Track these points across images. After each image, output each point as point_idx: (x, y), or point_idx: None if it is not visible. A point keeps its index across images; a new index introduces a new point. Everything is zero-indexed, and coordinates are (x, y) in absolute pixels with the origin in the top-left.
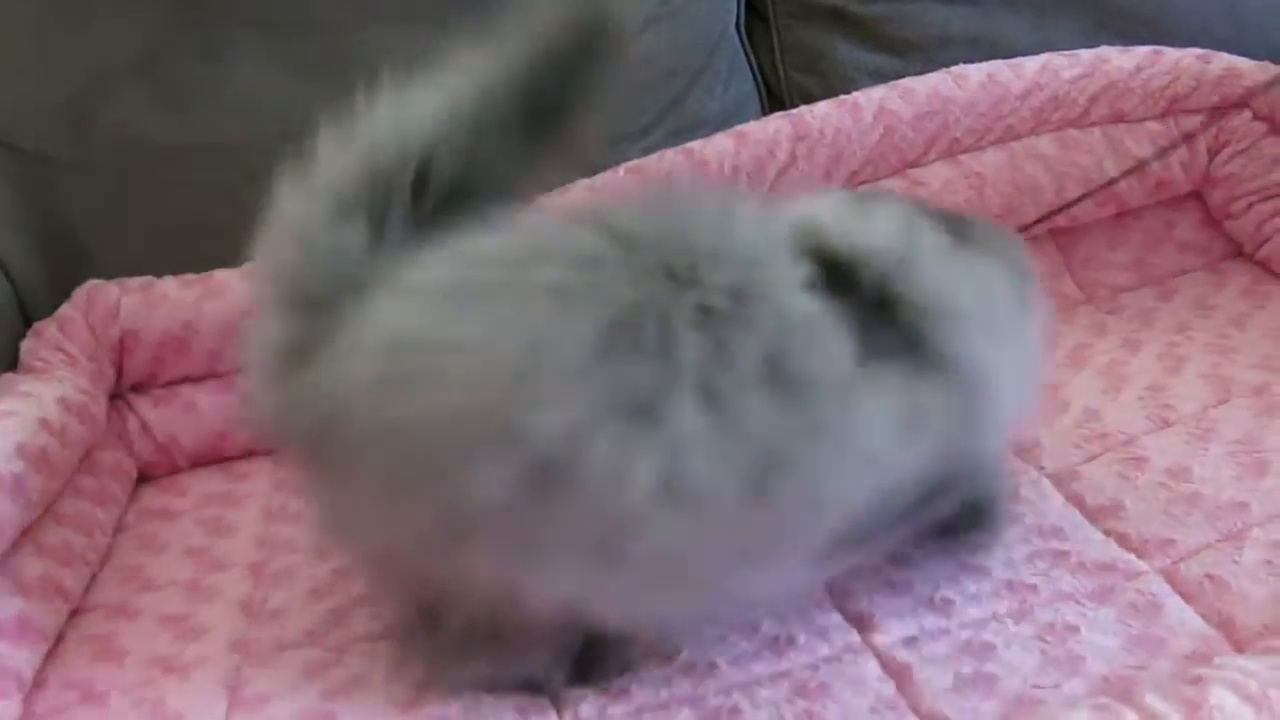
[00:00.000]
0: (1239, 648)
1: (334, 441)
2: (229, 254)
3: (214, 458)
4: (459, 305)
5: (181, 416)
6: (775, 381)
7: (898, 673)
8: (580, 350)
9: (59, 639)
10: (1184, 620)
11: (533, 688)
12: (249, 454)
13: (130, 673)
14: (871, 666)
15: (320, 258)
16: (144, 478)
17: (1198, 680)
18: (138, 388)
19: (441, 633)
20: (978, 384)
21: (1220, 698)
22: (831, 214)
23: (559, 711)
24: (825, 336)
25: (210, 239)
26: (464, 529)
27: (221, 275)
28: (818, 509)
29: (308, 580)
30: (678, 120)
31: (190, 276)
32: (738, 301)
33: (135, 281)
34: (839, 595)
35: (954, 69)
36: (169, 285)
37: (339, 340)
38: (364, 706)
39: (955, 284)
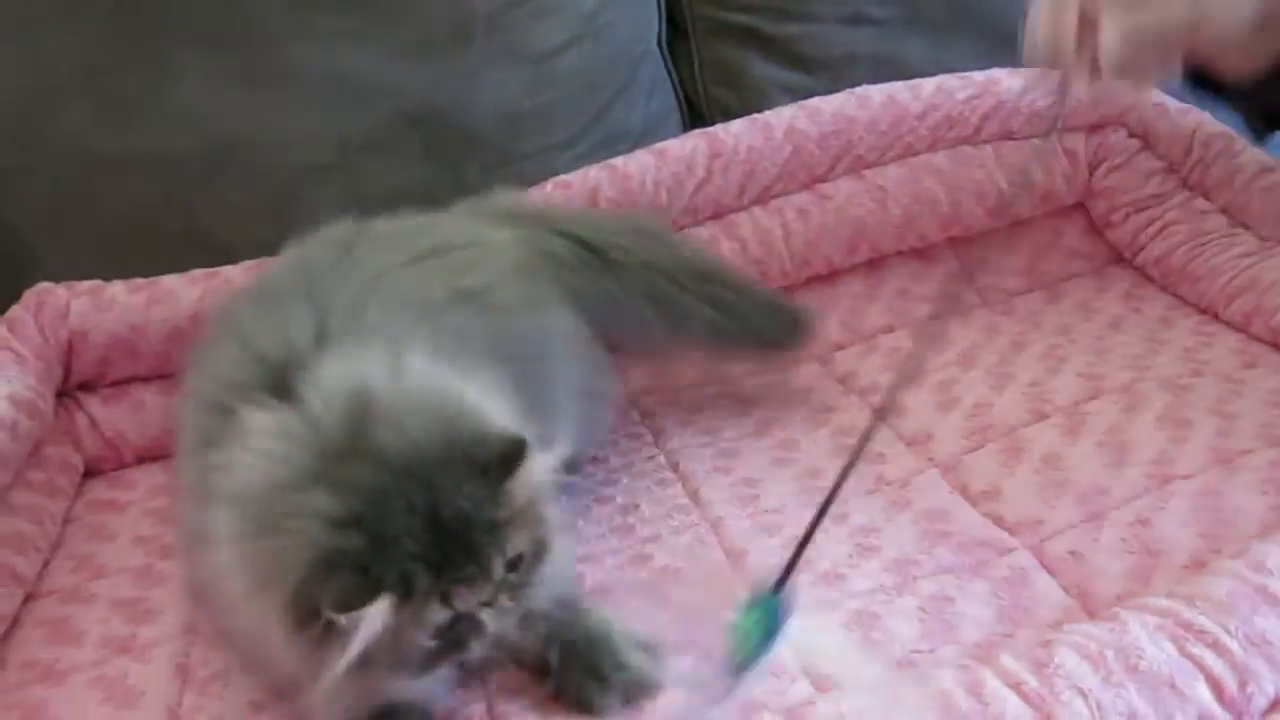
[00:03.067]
0: (1093, 617)
1: None
2: (170, 260)
3: (160, 454)
4: None
5: (130, 415)
6: None
7: None
8: None
9: (15, 622)
10: (1048, 593)
11: None
12: None
13: (88, 652)
14: None
15: None
16: (90, 473)
17: (1047, 643)
18: (85, 386)
19: None
20: None
21: (1064, 657)
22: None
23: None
24: None
25: (152, 245)
26: None
27: (169, 281)
28: None
29: None
30: (602, 133)
31: (139, 281)
32: None
33: (85, 285)
34: (746, 570)
35: (857, 90)
36: (118, 289)
37: None
38: None
39: None
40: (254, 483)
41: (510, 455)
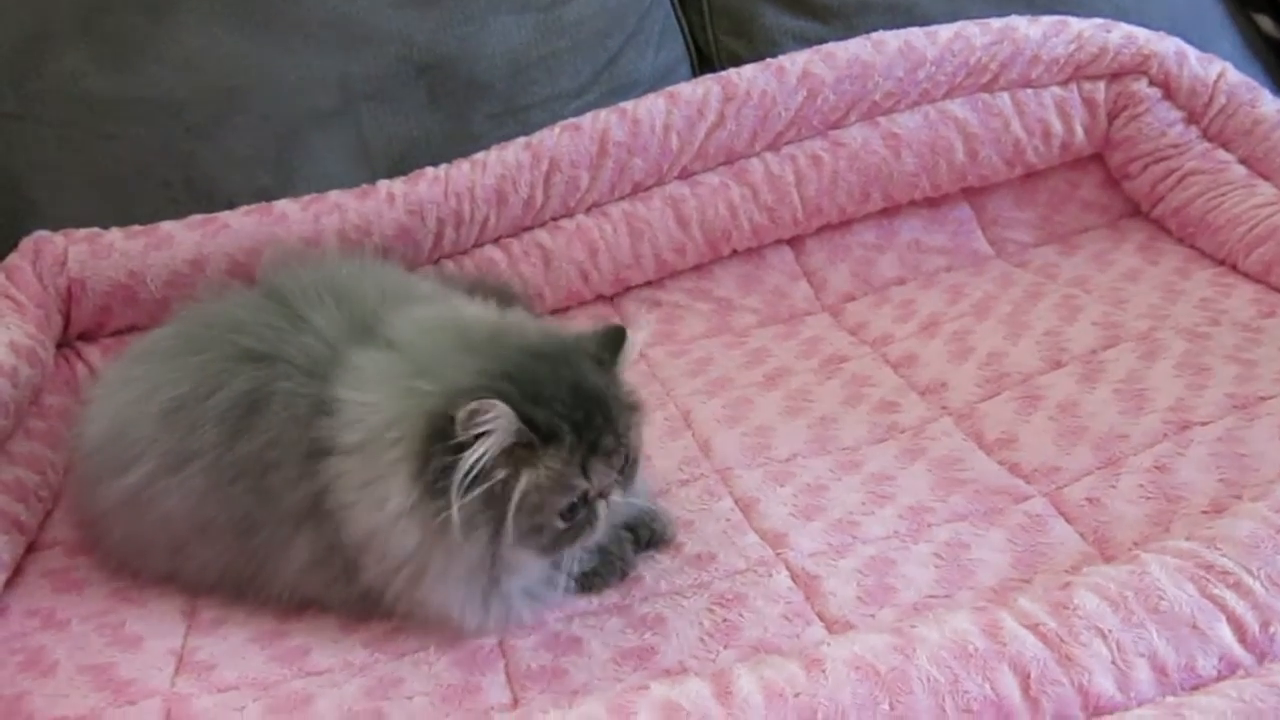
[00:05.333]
0: (1111, 563)
1: None
2: (169, 206)
3: None
4: None
5: None
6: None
7: (807, 584)
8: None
9: (18, 571)
10: (1065, 539)
11: None
12: None
13: (91, 603)
14: (783, 579)
15: None
16: None
17: (1065, 586)
18: (85, 336)
19: None
20: None
21: (1083, 599)
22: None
23: None
24: None
25: (153, 193)
26: None
27: (168, 227)
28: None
29: None
30: (611, 82)
31: (136, 228)
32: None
33: (82, 232)
34: (756, 517)
35: (873, 35)
36: (115, 235)
37: None
38: (317, 625)
39: None
40: (393, 369)
41: (618, 340)
